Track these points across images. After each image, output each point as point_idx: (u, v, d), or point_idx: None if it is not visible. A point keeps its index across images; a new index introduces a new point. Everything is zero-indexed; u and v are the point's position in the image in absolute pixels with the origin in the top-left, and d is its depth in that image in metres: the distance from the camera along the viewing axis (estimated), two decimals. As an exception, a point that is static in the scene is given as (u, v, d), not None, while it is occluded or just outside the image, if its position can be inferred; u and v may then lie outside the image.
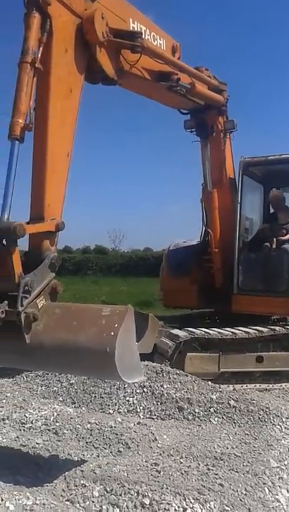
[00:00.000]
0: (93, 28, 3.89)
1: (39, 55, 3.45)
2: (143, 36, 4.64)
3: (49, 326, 3.18)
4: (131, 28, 4.63)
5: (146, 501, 2.90)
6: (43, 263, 3.37)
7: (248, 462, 3.53)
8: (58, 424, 4.15)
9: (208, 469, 3.36)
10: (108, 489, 3.03)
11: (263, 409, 4.42)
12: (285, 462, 3.62)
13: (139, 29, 4.75)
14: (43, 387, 5.07)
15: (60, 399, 4.81)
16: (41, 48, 3.47)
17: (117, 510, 2.87)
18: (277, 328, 5.93)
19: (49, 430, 4.03)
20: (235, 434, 4.07)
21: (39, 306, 3.20)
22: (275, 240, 6.58)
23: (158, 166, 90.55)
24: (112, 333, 2.87)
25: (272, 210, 7.40)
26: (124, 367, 2.88)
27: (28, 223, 3.39)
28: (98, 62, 4.17)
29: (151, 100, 6.03)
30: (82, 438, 3.89)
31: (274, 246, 6.56)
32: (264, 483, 3.25)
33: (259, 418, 4.31)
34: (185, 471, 3.30)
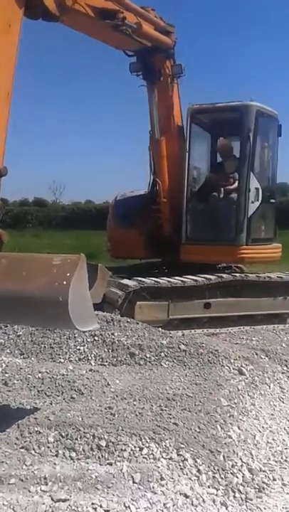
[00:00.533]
0: None
1: None
2: None
3: None
4: None
5: (103, 443, 2.92)
6: None
7: (200, 402, 3.62)
8: (6, 375, 4.03)
9: (162, 410, 3.42)
10: (63, 434, 3.02)
11: (212, 352, 4.52)
12: (235, 401, 3.76)
13: None
14: (-13, 341, 4.89)
15: (8, 351, 4.66)
16: None
17: (74, 453, 2.87)
18: (224, 275, 6.05)
19: (-3, 381, 3.91)
20: (186, 376, 4.16)
21: None
22: (222, 189, 6.60)
23: (99, 117, 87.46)
24: (65, 282, 2.80)
25: (219, 160, 7.36)
26: (78, 315, 2.84)
27: None
28: None
29: (93, 41, 5.68)
30: (34, 387, 3.81)
31: (221, 195, 6.59)
32: (216, 421, 3.36)
33: (208, 360, 4.41)
34: (139, 413, 3.33)
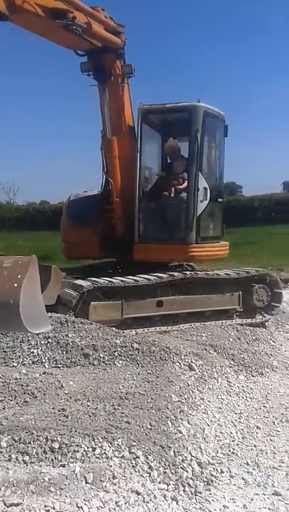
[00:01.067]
0: None
1: None
2: None
3: None
4: None
5: (56, 446, 2.96)
6: None
7: (152, 399, 3.73)
8: None
9: (115, 409, 3.50)
10: (16, 438, 3.03)
11: (163, 349, 4.66)
12: (185, 396, 3.91)
13: None
14: None
15: None
16: None
17: (27, 457, 2.90)
18: (175, 273, 6.20)
19: None
20: (139, 374, 4.26)
21: None
22: (173, 188, 6.74)
23: (53, 117, 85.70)
24: (16, 285, 2.82)
25: (169, 160, 7.50)
26: (30, 318, 2.86)
27: None
28: None
29: (44, 41, 5.67)
30: (-14, 393, 3.78)
31: (172, 195, 6.73)
32: (167, 417, 3.49)
33: (160, 357, 4.54)
34: (92, 413, 3.40)
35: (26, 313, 2.82)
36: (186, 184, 6.63)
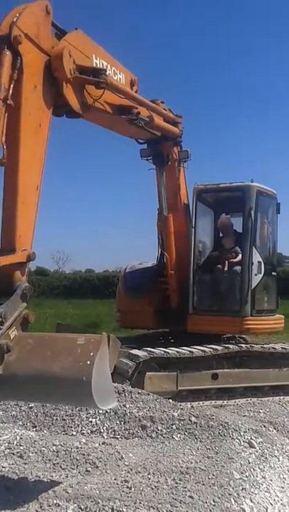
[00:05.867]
0: (62, 66, 4.07)
1: (10, 92, 3.52)
2: (106, 72, 4.89)
3: (22, 356, 3.21)
4: (94, 64, 4.82)
5: (122, 516, 2.98)
6: (15, 293, 3.42)
7: (213, 475, 3.70)
8: (21, 447, 4.11)
9: (177, 483, 3.49)
10: (82, 507, 3.09)
11: (222, 425, 4.61)
12: (247, 474, 3.83)
13: (101, 65, 4.95)
14: (0, 412, 4.97)
15: (20, 423, 4.74)
16: (12, 85, 3.55)
17: (94, 526, 2.93)
18: (230, 346, 6.22)
19: (13, 454, 3.99)
20: (198, 449, 4.23)
21: (11, 337, 3.24)
22: (227, 262, 6.95)
23: (99, 187, 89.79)
24: (89, 362, 2.94)
25: (221, 234, 7.79)
26: (100, 394, 2.95)
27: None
28: (64, 97, 4.33)
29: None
30: (49, 460, 3.89)
31: (226, 268, 6.93)
32: (229, 494, 3.43)
33: (219, 433, 4.49)
34: (155, 486, 3.41)
35: (97, 389, 2.93)
36: (239, 258, 6.83)
